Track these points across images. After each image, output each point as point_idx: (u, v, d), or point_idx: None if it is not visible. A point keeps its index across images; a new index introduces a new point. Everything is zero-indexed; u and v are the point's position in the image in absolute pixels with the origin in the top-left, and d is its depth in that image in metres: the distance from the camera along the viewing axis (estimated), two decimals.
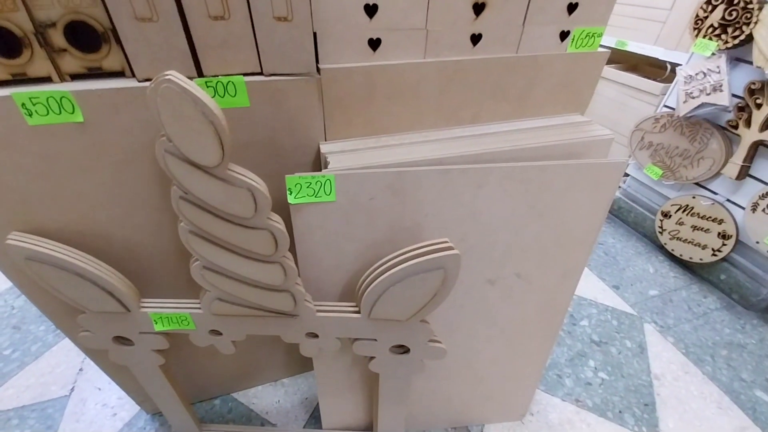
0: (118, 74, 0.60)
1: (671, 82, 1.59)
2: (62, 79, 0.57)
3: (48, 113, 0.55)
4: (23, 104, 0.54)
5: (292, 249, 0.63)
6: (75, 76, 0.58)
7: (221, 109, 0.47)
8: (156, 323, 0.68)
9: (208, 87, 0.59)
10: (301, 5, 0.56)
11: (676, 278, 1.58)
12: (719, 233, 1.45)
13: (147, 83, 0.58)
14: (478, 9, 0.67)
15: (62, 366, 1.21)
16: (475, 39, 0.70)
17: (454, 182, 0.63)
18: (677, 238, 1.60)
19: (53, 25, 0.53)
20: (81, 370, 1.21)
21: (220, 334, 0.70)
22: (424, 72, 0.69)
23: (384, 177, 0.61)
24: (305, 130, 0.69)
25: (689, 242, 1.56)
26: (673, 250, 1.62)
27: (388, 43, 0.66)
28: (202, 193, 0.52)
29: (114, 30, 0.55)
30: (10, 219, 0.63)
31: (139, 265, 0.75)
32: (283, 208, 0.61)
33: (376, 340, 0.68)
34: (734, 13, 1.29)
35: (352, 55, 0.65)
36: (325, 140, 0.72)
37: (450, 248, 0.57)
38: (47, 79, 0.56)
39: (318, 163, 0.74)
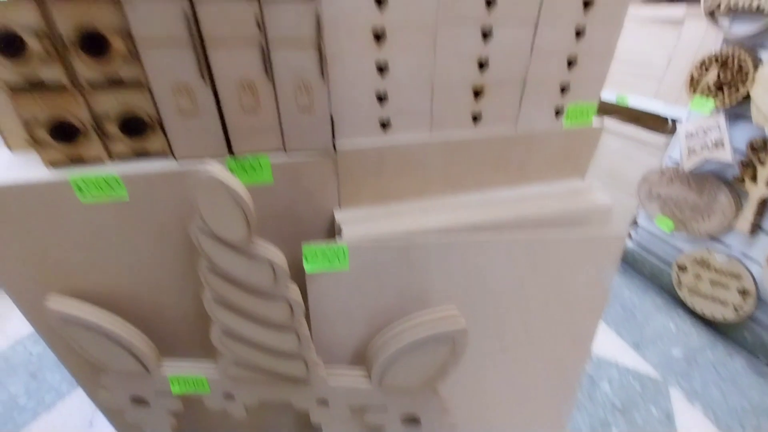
0: (160, 155, 0.68)
1: (675, 132, 1.63)
2: (112, 160, 0.66)
3: (98, 193, 0.63)
4: (78, 186, 0.61)
5: (306, 315, 0.66)
6: (122, 157, 0.66)
7: (247, 185, 0.53)
8: (173, 385, 0.71)
9: (237, 165, 0.66)
10: (320, 98, 0.64)
11: (699, 336, 1.52)
12: (738, 289, 1.42)
13: (184, 163, 0.65)
14: (477, 93, 0.74)
15: (74, 418, 1.22)
16: (476, 118, 0.77)
17: (460, 252, 0.66)
18: (696, 293, 1.56)
19: (108, 117, 0.62)
20: (91, 424, 1.21)
21: (233, 398, 0.72)
22: (430, 148, 0.76)
23: (394, 248, 0.65)
24: (321, 200, 0.75)
25: (709, 298, 1.52)
26: (693, 306, 1.57)
27: (397, 124, 0.73)
28: (228, 266, 0.57)
29: (160, 120, 0.63)
30: (50, 282, 0.68)
31: (160, 324, 0.79)
32: (297, 272, 0.66)
33: (386, 409, 0.69)
34: (729, 75, 1.36)
35: (364, 135, 0.73)
36: (339, 207, 0.78)
37: (457, 318, 0.60)
38: (98, 160, 0.65)
39: (332, 228, 0.79)
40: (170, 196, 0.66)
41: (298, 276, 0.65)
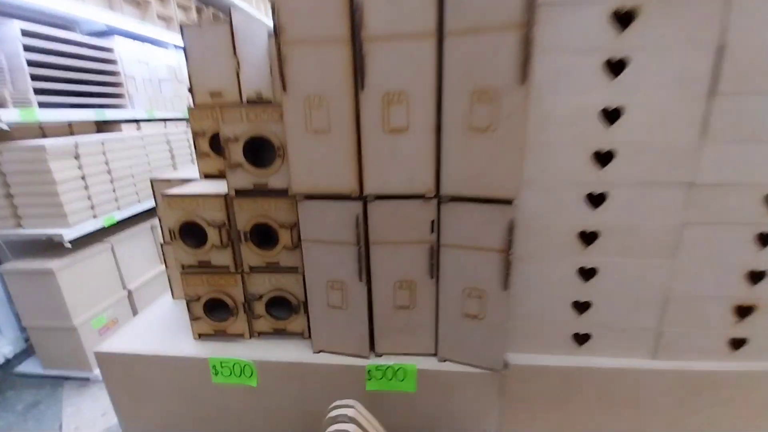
0: (297, 335, 0.61)
1: None
2: (251, 336, 0.61)
3: (230, 375, 0.57)
4: (214, 366, 0.57)
5: None
6: (262, 335, 0.61)
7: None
8: None
9: (377, 370, 0.53)
10: (497, 307, 0.48)
11: None
12: None
13: (320, 354, 0.56)
14: (743, 312, 0.47)
15: None
16: (737, 344, 0.49)
17: None
18: None
19: (260, 297, 0.58)
20: None
21: None
22: (651, 379, 0.50)
23: None
24: (473, 425, 0.55)
25: None
26: None
27: (600, 340, 0.51)
28: None
29: (306, 304, 0.57)
30: None
31: None
32: None
33: None
34: None
35: (550, 351, 0.52)
36: None
37: None
38: (240, 336, 0.60)
39: None
40: (298, 388, 0.56)
41: None
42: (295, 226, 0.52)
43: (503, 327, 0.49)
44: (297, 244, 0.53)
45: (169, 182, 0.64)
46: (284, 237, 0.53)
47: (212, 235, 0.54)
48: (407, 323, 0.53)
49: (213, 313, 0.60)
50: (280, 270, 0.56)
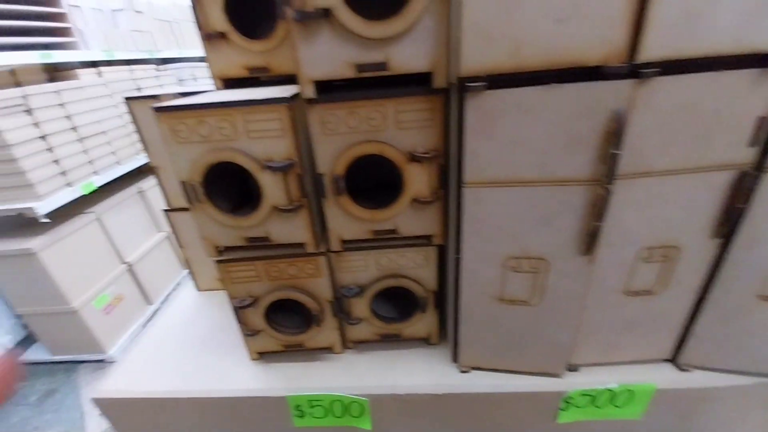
0: (419, 342, 0.38)
1: None
2: (344, 349, 0.38)
3: (325, 416, 0.35)
4: (297, 406, 0.34)
5: None
6: (360, 342, 0.38)
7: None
8: None
9: (583, 397, 0.32)
10: None
11: None
12: None
13: (471, 374, 0.34)
14: None
15: None
16: None
17: None
18: None
19: (361, 291, 0.34)
20: None
21: None
22: None
23: None
24: None
25: None
26: None
27: None
28: None
29: (438, 297, 0.33)
30: None
31: None
32: None
33: None
34: None
35: None
36: None
37: None
38: (327, 350, 0.37)
39: None
40: (436, 426, 0.34)
41: None
42: (436, 158, 0.26)
43: None
44: (439, 194, 0.28)
45: (158, 99, 0.35)
46: (415, 180, 0.27)
47: (270, 188, 0.28)
48: (641, 317, 0.30)
49: (278, 319, 0.36)
50: (397, 243, 0.31)
